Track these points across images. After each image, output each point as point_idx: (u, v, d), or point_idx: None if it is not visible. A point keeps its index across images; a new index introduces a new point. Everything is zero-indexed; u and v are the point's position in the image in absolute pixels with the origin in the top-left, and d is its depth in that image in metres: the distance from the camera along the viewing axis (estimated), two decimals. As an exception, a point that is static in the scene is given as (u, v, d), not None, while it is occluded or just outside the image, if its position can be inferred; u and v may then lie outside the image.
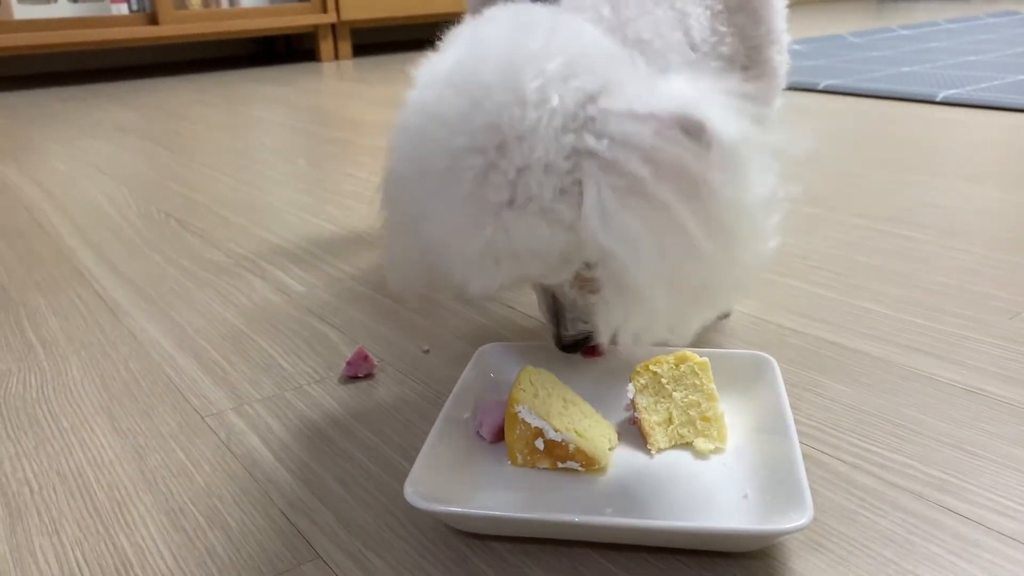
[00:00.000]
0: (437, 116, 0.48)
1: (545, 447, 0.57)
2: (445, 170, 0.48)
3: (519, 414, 0.57)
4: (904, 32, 3.18)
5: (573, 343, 0.63)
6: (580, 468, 0.57)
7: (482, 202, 0.47)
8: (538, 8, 0.53)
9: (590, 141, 0.47)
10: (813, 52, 2.72)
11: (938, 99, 1.91)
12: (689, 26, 0.62)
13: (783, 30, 0.73)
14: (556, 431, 0.56)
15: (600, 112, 0.47)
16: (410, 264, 0.59)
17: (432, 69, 0.51)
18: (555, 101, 0.46)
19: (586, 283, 0.57)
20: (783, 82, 0.77)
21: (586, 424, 0.59)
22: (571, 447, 0.56)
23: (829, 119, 1.80)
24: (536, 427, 0.57)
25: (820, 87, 2.12)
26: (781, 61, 0.73)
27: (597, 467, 0.57)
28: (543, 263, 0.49)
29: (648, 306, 0.49)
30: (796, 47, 2.85)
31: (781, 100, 0.79)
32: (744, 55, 0.68)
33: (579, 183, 0.47)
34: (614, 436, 0.61)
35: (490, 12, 0.53)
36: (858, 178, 1.33)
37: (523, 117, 0.46)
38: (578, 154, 0.47)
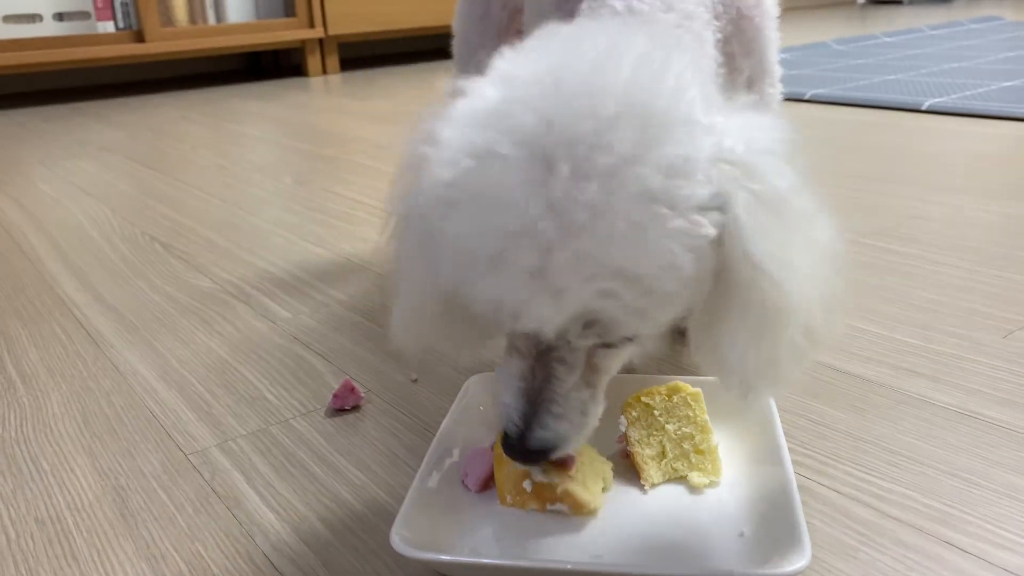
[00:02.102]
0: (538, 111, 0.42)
1: (533, 489, 0.55)
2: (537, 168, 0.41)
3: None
4: (888, 39, 3.20)
5: (541, 450, 0.50)
6: (568, 512, 0.55)
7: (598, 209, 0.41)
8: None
9: (731, 145, 0.44)
10: (798, 61, 2.73)
11: (924, 108, 1.91)
12: (707, 54, 0.61)
13: (775, 62, 0.72)
14: (544, 472, 0.54)
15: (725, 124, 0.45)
16: (424, 310, 0.52)
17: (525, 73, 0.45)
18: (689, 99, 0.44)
19: (589, 371, 0.51)
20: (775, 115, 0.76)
21: (578, 464, 0.56)
22: (559, 490, 0.54)
23: (816, 129, 1.80)
24: (523, 469, 0.55)
25: (806, 96, 2.12)
26: (773, 94, 0.72)
27: (587, 511, 0.54)
28: (645, 298, 0.43)
29: (776, 337, 0.47)
30: (781, 55, 2.86)
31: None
32: (733, 86, 0.67)
33: (723, 193, 0.44)
34: (609, 476, 0.58)
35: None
36: (846, 190, 1.32)
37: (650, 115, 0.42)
38: (721, 160, 0.44)
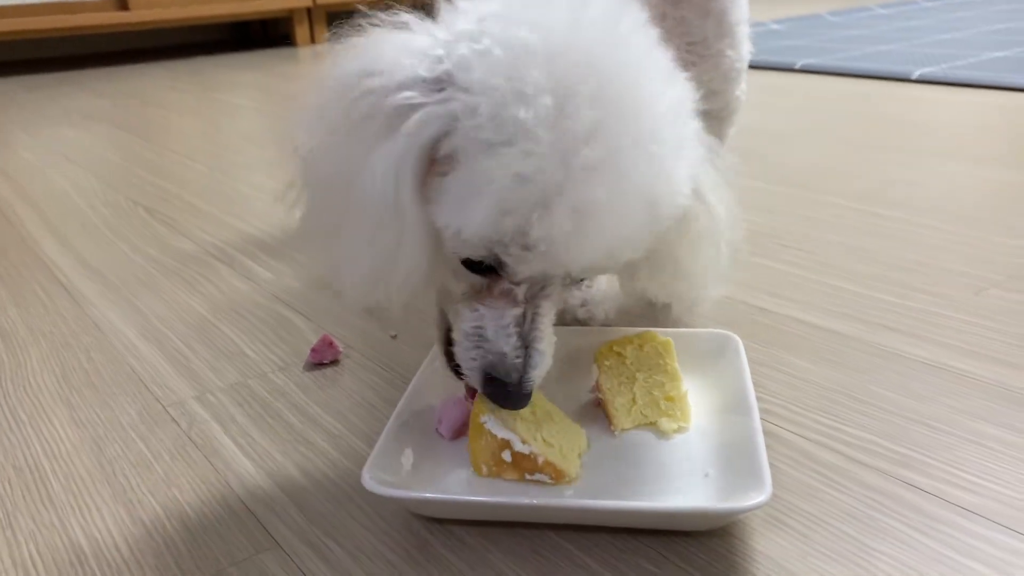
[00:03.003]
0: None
1: (512, 459, 0.53)
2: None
3: (485, 424, 0.53)
4: (882, 11, 3.18)
5: (531, 390, 0.52)
6: (549, 481, 0.53)
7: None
8: None
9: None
10: (791, 32, 2.72)
11: (914, 77, 1.90)
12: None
13: (739, 23, 0.72)
14: (524, 443, 0.53)
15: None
16: (402, 257, 0.50)
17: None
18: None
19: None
20: (739, 80, 0.76)
21: (555, 431, 0.55)
22: (540, 460, 0.53)
23: (805, 98, 1.80)
24: (503, 439, 0.53)
25: (797, 67, 2.11)
26: (732, 57, 0.72)
27: (567, 479, 0.53)
28: (658, 224, 0.50)
29: (717, 252, 0.59)
30: (774, 27, 2.85)
31: (743, 94, 0.79)
32: (686, 50, 0.68)
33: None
34: (584, 441, 0.57)
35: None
36: (831, 157, 1.32)
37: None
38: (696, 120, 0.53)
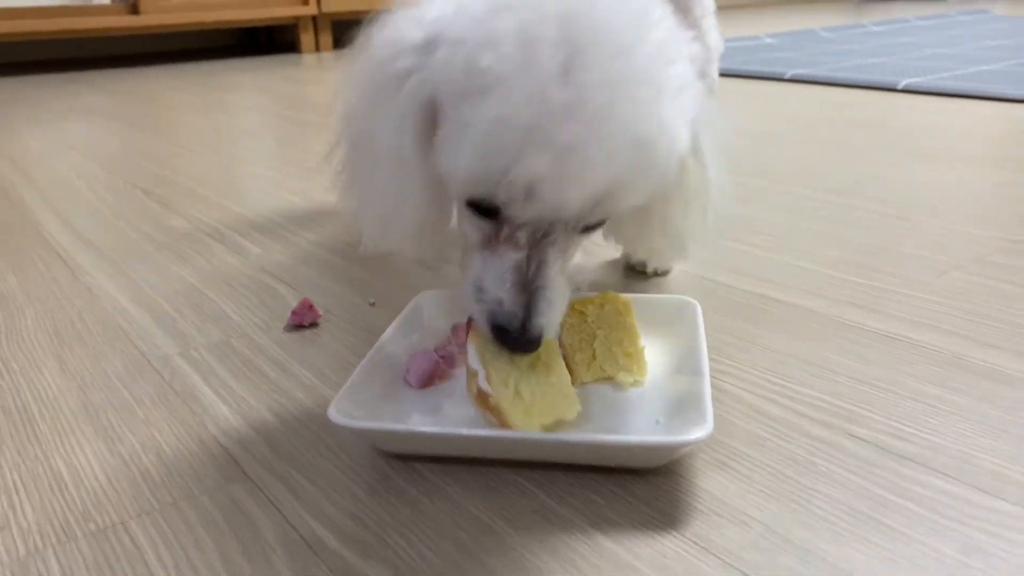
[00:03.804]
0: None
1: (477, 393, 0.56)
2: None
3: (468, 352, 0.56)
4: (875, 28, 3.23)
5: (539, 335, 0.53)
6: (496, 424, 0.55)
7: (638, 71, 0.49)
8: None
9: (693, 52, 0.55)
10: (784, 45, 2.76)
11: (899, 87, 1.94)
12: None
13: (704, 15, 0.76)
14: (487, 380, 0.55)
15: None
16: (410, 210, 0.57)
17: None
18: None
19: (564, 254, 0.55)
20: (707, 71, 0.80)
21: (538, 386, 0.55)
22: (491, 401, 0.54)
23: (791, 104, 1.84)
24: (474, 369, 0.55)
25: (787, 76, 2.15)
26: (701, 47, 0.75)
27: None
28: (654, 168, 0.50)
29: (710, 204, 0.62)
30: (768, 40, 2.89)
31: (714, 83, 0.83)
32: None
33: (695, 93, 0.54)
34: (569, 413, 0.55)
35: None
36: (812, 156, 1.36)
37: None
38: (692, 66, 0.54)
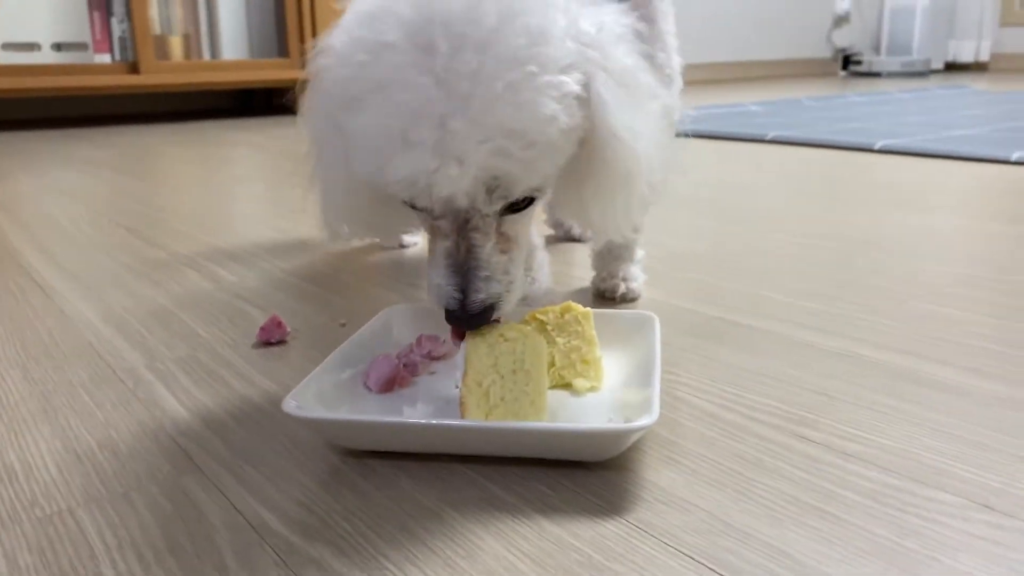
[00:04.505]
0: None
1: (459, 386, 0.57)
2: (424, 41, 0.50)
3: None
4: (857, 98, 3.33)
5: (480, 310, 0.56)
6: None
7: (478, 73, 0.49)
8: None
9: (587, 28, 0.54)
10: (768, 111, 2.84)
11: (876, 147, 2.00)
12: None
13: (668, 32, 0.78)
14: (463, 376, 0.56)
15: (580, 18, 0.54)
16: (345, 200, 0.62)
17: None
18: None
19: (502, 240, 0.57)
20: (671, 85, 0.81)
21: (512, 392, 0.56)
22: (460, 397, 0.56)
23: (770, 162, 1.88)
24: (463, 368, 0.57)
25: (768, 138, 2.21)
26: (665, 58, 0.77)
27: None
28: (531, 150, 0.51)
29: (629, 193, 0.58)
30: (753, 108, 2.97)
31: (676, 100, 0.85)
32: None
33: (581, 66, 0.53)
34: (532, 420, 0.55)
35: None
36: (785, 205, 1.39)
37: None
38: (580, 43, 0.53)
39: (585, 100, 0.54)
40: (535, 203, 0.58)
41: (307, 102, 0.61)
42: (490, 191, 0.52)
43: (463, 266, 0.56)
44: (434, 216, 0.55)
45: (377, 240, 0.69)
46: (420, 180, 0.51)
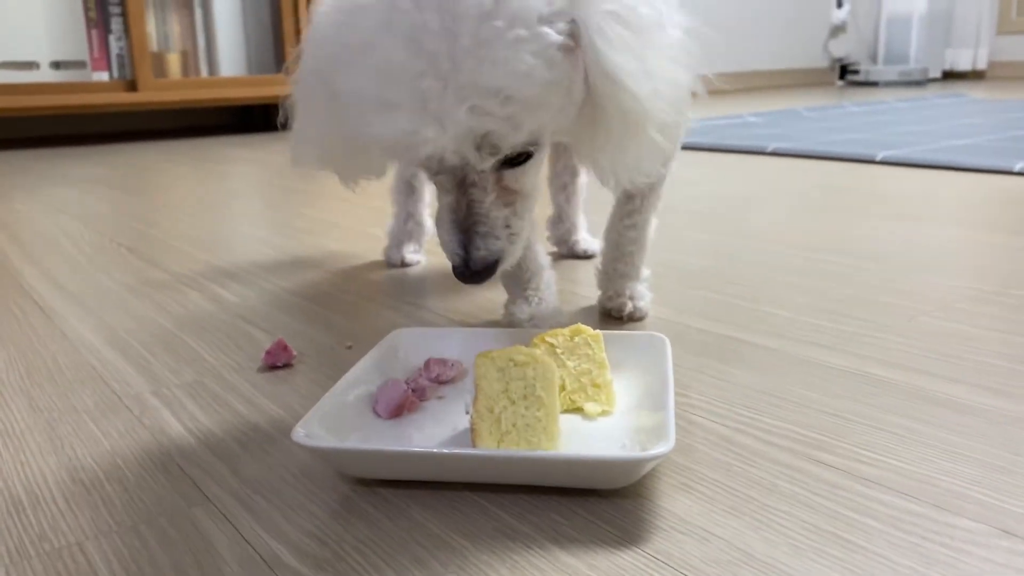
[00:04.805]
0: None
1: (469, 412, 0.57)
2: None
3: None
4: (855, 108, 3.33)
5: (483, 267, 0.58)
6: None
7: (451, 28, 0.49)
8: None
9: None
10: (767, 123, 2.84)
11: (878, 159, 2.00)
12: None
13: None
14: (474, 401, 0.55)
15: None
16: (321, 136, 0.63)
17: None
18: None
19: (504, 193, 0.57)
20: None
21: (522, 422, 0.55)
22: (472, 422, 0.55)
23: (772, 175, 1.88)
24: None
25: (768, 150, 2.21)
26: None
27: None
28: (511, 106, 0.50)
29: (637, 139, 0.56)
30: (751, 119, 2.98)
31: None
32: None
33: (576, 18, 0.52)
34: (544, 448, 0.55)
35: None
36: (788, 218, 1.39)
37: None
38: None
39: (572, 48, 0.53)
40: (534, 156, 0.57)
41: (298, 62, 0.63)
42: (478, 148, 0.52)
43: (465, 222, 0.57)
44: (433, 173, 0.56)
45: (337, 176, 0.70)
46: (401, 141, 0.52)
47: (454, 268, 0.58)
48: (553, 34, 0.51)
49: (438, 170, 0.56)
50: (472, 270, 0.57)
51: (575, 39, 0.53)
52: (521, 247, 0.59)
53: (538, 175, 0.63)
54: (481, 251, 0.57)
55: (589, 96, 0.56)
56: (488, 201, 0.57)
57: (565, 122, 0.57)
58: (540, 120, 0.53)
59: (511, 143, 0.53)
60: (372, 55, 0.51)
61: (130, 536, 0.50)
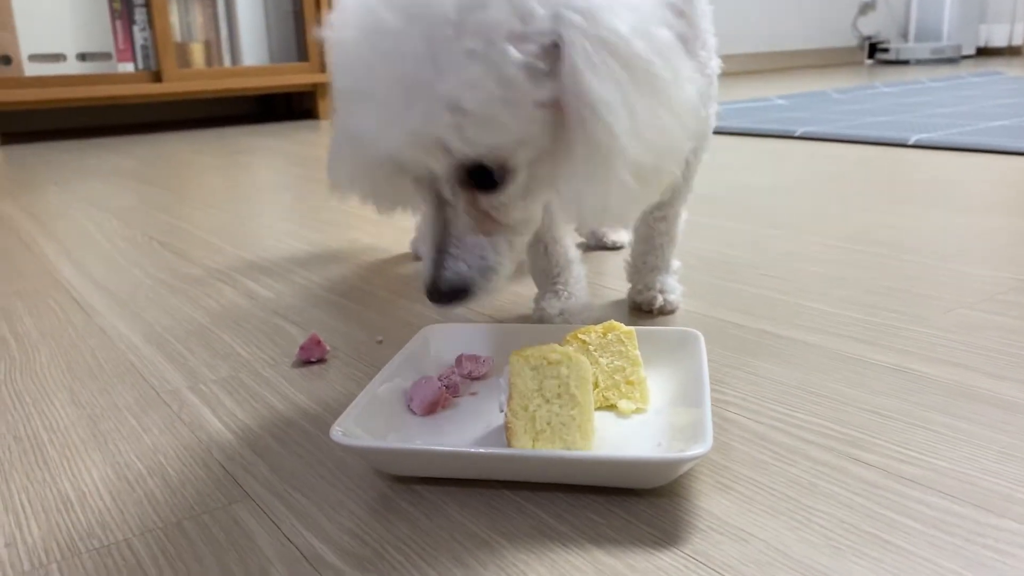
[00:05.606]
0: None
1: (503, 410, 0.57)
2: (400, 26, 0.51)
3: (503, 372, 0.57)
4: (886, 89, 3.28)
5: (450, 290, 0.56)
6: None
7: (442, 55, 0.50)
8: None
9: (567, 5, 0.51)
10: (795, 105, 2.81)
11: (910, 143, 1.96)
12: None
13: (708, 30, 0.76)
14: (508, 400, 0.55)
15: None
16: (350, 154, 0.63)
17: None
18: None
19: (485, 220, 0.57)
20: (710, 88, 0.79)
21: (557, 420, 0.55)
22: (507, 421, 0.55)
23: (802, 160, 1.86)
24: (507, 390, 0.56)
25: (797, 134, 2.18)
26: (707, 57, 0.76)
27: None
28: (460, 117, 0.50)
29: (605, 176, 0.52)
30: (779, 101, 2.94)
31: (715, 105, 0.83)
32: None
33: (558, 41, 0.51)
34: (580, 447, 0.54)
35: None
36: (821, 206, 1.37)
37: None
38: (557, 17, 0.51)
39: (545, 72, 0.51)
40: (509, 184, 0.56)
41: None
42: (429, 153, 0.53)
43: (439, 241, 0.57)
44: (413, 181, 0.57)
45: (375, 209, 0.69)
46: (366, 135, 0.54)
47: (425, 287, 0.57)
48: (513, 52, 0.49)
49: (414, 178, 0.57)
50: (438, 289, 0.55)
51: (554, 61, 0.51)
52: (496, 284, 0.57)
53: (528, 212, 0.59)
54: (447, 272, 0.55)
55: (562, 124, 0.53)
56: (461, 223, 0.56)
57: (535, 152, 0.55)
58: (496, 140, 0.52)
59: (463, 153, 0.52)
60: (345, 50, 0.54)
61: (175, 533, 0.51)
